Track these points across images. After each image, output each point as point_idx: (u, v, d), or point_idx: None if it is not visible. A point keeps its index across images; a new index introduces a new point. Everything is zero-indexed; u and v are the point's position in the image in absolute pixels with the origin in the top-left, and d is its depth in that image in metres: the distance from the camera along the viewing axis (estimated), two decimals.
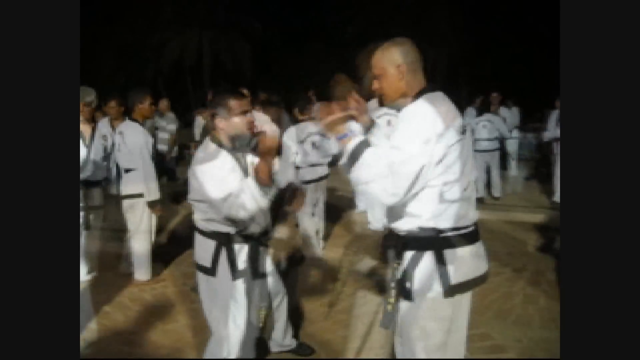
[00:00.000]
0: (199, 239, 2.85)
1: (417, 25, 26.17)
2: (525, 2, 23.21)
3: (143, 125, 4.79)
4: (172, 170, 9.63)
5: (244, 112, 2.72)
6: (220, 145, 2.74)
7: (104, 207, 5.17)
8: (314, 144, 5.60)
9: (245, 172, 2.76)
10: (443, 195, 2.06)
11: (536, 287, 4.63)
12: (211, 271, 2.77)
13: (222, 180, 2.62)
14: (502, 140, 8.91)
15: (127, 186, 4.69)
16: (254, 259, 2.82)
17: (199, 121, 12.48)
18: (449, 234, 2.11)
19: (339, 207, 7.47)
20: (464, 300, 2.21)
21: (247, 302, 2.81)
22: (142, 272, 4.81)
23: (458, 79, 26.44)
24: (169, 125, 9.01)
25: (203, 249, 2.81)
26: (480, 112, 8.85)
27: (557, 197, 7.28)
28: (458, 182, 2.08)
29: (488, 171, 8.45)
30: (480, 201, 7.71)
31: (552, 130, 7.55)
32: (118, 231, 5.24)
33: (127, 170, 4.67)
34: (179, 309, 4.23)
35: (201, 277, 2.86)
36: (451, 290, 2.10)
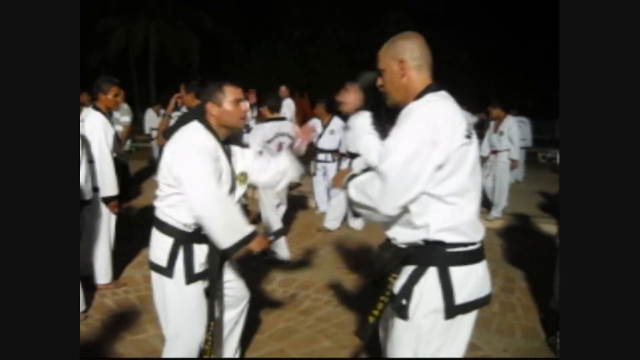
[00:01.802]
0: (156, 234, 2.62)
1: (370, 27, 26.43)
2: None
3: (106, 117, 4.44)
4: (125, 165, 9.15)
5: (238, 101, 2.58)
6: (210, 130, 2.57)
7: None
8: (281, 145, 5.39)
9: (228, 163, 2.60)
10: (449, 206, 1.88)
11: (510, 294, 4.63)
12: (167, 271, 2.54)
13: (203, 163, 2.41)
14: None
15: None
16: (213, 262, 2.58)
17: (150, 114, 12.06)
18: (456, 249, 1.91)
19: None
20: (466, 321, 1.99)
21: (203, 309, 2.60)
22: (102, 275, 4.45)
23: None
24: (122, 117, 8.52)
25: (159, 246, 2.58)
26: None
27: (493, 213, 7.39)
28: (467, 192, 1.91)
29: None
30: None
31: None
32: None
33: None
34: (146, 317, 3.91)
35: (155, 277, 2.62)
36: (454, 311, 1.91)
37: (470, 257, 1.94)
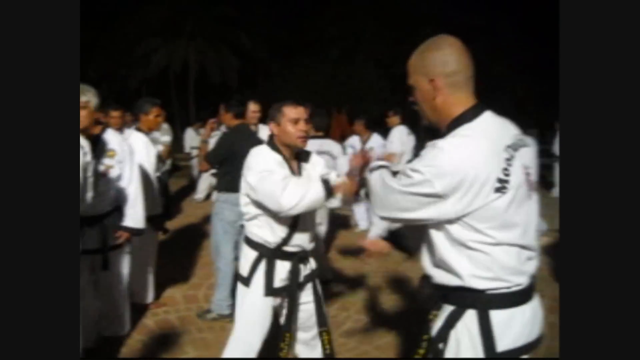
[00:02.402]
0: (244, 248, 2.83)
1: (408, 44, 26.36)
2: None
3: (148, 137, 4.49)
4: (165, 184, 9.28)
5: (296, 120, 2.63)
6: (275, 149, 2.70)
7: None
8: None
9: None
10: (480, 254, 1.65)
11: (558, 315, 4.42)
12: (246, 281, 2.73)
13: (269, 171, 2.55)
14: None
15: None
16: (294, 278, 2.72)
17: (190, 133, 12.22)
18: (498, 291, 1.68)
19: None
20: None
21: (267, 322, 2.76)
22: (143, 295, 4.46)
23: None
24: (163, 137, 8.63)
25: (245, 259, 2.79)
26: None
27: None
28: (503, 244, 1.65)
29: None
30: None
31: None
32: None
33: None
34: (186, 338, 3.89)
35: (239, 287, 2.82)
36: (495, 359, 1.68)
37: (514, 298, 1.70)
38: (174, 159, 10.42)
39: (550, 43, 25.88)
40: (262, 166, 2.59)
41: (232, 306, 4.24)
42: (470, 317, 1.70)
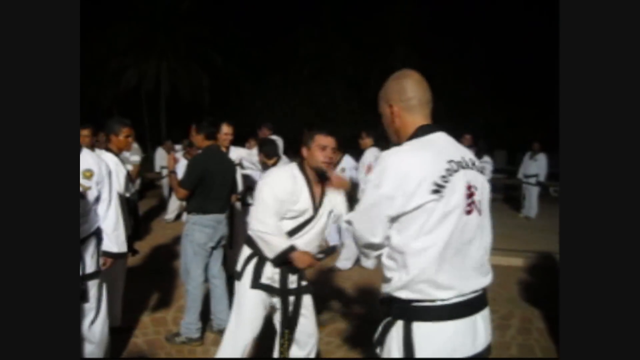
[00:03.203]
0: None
1: (380, 65, 26.68)
2: None
3: (118, 157, 4.44)
4: (135, 205, 9.15)
5: (323, 147, 2.94)
6: (302, 170, 3.02)
7: None
8: None
9: (311, 198, 2.99)
10: (409, 261, 1.79)
11: (528, 336, 4.51)
12: (238, 275, 3.07)
13: (268, 196, 2.92)
14: None
15: None
16: (283, 281, 3.00)
17: (160, 152, 12.12)
18: (422, 304, 1.81)
19: None
20: None
21: (256, 316, 3.03)
22: (110, 317, 4.35)
23: None
24: (132, 157, 8.54)
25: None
26: None
27: None
28: (431, 249, 1.77)
29: None
30: None
31: None
32: None
33: None
34: None
35: (235, 283, 3.13)
36: None
37: (438, 312, 1.81)
38: (143, 178, 10.29)
39: (520, 67, 26.58)
40: (273, 181, 3.00)
41: (202, 330, 4.21)
42: (398, 327, 1.86)
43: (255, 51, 28.60)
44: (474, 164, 1.93)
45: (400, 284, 1.82)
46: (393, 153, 1.85)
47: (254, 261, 3.03)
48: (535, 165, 11.15)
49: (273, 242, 2.92)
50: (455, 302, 1.82)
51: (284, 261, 2.93)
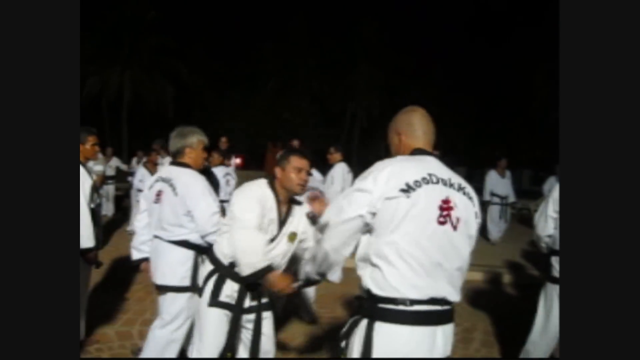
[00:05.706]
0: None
1: (341, 83, 26.98)
2: None
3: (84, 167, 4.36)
4: (98, 215, 8.96)
5: (299, 169, 2.93)
6: (272, 187, 2.98)
7: None
8: None
9: (278, 218, 2.95)
10: (380, 258, 1.98)
11: (491, 349, 4.60)
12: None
13: (252, 205, 2.85)
14: None
15: None
16: (240, 299, 2.95)
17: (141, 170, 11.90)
18: (387, 306, 1.97)
19: None
20: None
21: (218, 332, 2.97)
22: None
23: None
24: (96, 167, 8.40)
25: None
26: None
27: None
28: (398, 245, 1.95)
29: None
30: None
31: None
32: None
33: None
34: None
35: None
36: None
37: (401, 317, 1.95)
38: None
39: (481, 88, 27.28)
40: (250, 196, 2.90)
41: None
42: (362, 325, 2.02)
43: (220, 64, 28.52)
44: (461, 188, 2.11)
45: (372, 280, 1.99)
46: (381, 161, 2.10)
47: (214, 278, 2.98)
48: (503, 184, 10.13)
49: (253, 258, 2.79)
50: (418, 310, 1.96)
51: (258, 280, 2.82)
